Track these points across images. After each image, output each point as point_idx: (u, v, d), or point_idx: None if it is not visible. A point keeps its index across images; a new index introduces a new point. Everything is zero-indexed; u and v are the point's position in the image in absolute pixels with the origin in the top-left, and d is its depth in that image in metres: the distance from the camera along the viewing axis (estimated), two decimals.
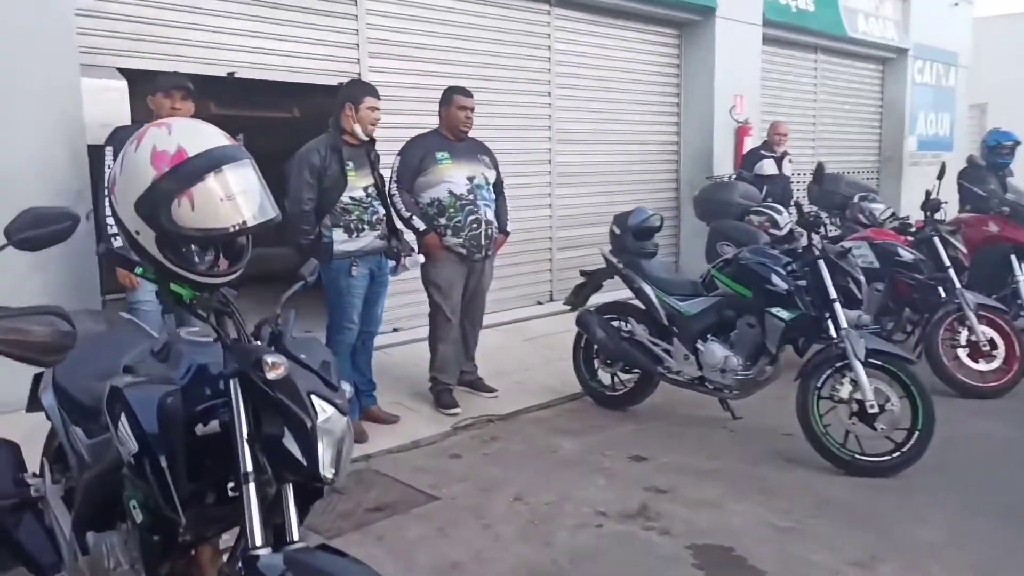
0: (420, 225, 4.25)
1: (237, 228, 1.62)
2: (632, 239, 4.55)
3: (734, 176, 7.41)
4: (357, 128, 3.91)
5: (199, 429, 1.68)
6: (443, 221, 4.26)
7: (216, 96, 6.36)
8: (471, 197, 4.28)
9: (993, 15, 16.44)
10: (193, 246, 1.69)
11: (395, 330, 6.06)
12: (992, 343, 4.79)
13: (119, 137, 3.61)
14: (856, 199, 6.08)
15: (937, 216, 5.22)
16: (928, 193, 5.20)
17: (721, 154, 8.17)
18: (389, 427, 4.20)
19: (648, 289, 4.40)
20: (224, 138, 1.68)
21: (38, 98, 3.99)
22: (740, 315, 4.10)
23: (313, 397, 1.59)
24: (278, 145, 4.76)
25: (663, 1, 7.47)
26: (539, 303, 7.07)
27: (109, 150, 3.61)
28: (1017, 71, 15.76)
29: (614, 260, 4.60)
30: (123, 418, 1.69)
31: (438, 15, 6.05)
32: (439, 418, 4.40)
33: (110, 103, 4.12)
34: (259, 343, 1.68)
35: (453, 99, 4.42)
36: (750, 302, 4.02)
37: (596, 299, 4.90)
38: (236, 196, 1.61)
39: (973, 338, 4.78)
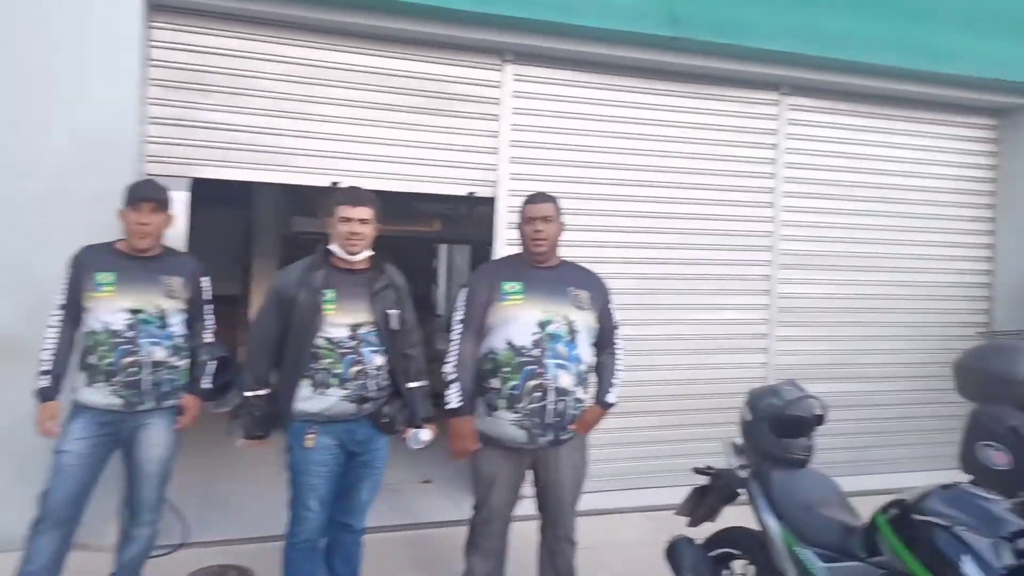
0: (452, 400, 2.96)
1: None
2: (768, 433, 2.85)
3: None
4: (335, 247, 2.96)
5: None
6: (495, 383, 2.94)
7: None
8: (536, 352, 2.91)
9: None
10: None
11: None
12: None
13: (81, 259, 2.97)
14: None
15: None
16: None
17: None
18: None
19: (773, 526, 2.66)
20: None
21: (92, 202, 3.76)
22: None
23: None
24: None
25: (970, 82, 5.38)
26: None
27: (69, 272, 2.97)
28: None
29: (735, 463, 2.93)
30: None
31: (605, 110, 4.93)
32: None
33: None
34: None
35: (523, 210, 3.17)
36: None
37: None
38: None
39: None
